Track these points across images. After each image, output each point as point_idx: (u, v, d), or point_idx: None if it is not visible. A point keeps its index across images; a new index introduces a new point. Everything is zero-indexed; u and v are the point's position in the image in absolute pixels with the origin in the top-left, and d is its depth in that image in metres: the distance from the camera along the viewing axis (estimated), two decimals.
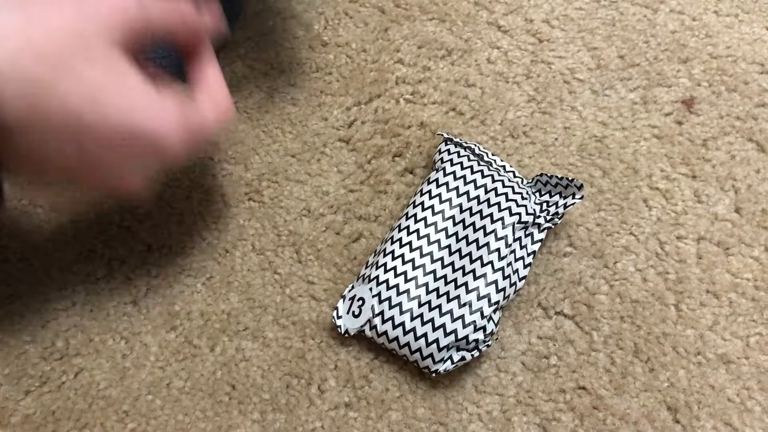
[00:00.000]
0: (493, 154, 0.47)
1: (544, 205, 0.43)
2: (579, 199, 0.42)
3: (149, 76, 0.33)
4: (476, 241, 0.41)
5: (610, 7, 0.55)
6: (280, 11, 0.55)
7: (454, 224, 0.42)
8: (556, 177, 0.43)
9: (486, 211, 0.42)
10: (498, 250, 0.41)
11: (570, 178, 0.43)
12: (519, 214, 0.42)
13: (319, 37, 0.54)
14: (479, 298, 0.39)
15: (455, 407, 0.41)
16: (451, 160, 0.45)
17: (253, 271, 0.46)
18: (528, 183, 0.45)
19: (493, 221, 0.41)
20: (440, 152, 0.46)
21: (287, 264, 0.46)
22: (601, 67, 0.52)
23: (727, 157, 0.48)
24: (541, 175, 0.44)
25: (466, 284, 0.40)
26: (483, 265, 0.40)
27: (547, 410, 0.41)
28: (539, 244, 0.43)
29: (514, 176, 0.45)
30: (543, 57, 0.53)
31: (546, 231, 0.43)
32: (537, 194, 0.44)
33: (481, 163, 0.44)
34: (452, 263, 0.41)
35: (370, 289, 0.41)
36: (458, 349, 0.40)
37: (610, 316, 0.43)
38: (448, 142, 0.46)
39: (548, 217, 0.43)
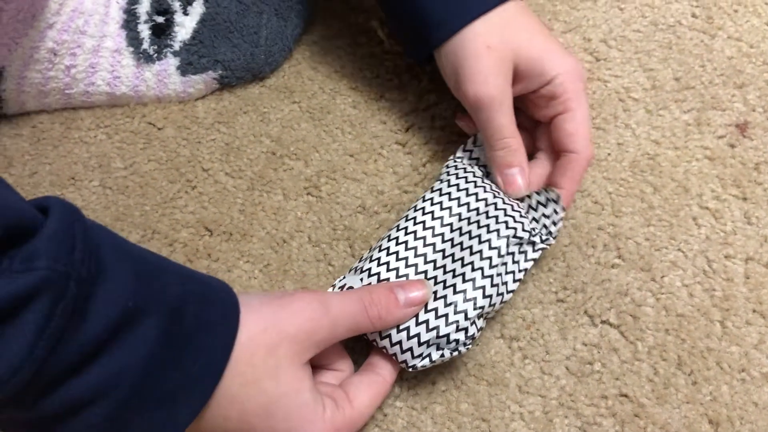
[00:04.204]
0: None
1: (536, 225, 0.44)
2: (562, 211, 0.43)
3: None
4: (470, 247, 0.42)
5: (667, 30, 0.56)
6: (345, 18, 0.58)
7: (451, 231, 0.43)
8: (535, 192, 0.45)
9: (483, 222, 0.43)
10: (490, 258, 0.41)
11: (546, 189, 0.44)
12: (515, 229, 0.42)
13: (381, 45, 0.56)
14: (465, 300, 0.40)
15: (498, 405, 0.42)
16: (457, 174, 0.46)
17: (308, 262, 0.48)
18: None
19: (489, 231, 0.42)
20: (448, 167, 0.48)
21: (341, 257, 0.48)
22: (656, 88, 0.53)
23: None
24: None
25: (454, 285, 0.41)
26: (473, 270, 0.41)
27: (588, 414, 0.42)
28: (532, 262, 0.43)
29: (511, 199, 0.46)
30: (599, 75, 0.54)
31: (540, 251, 0.44)
32: (531, 211, 0.45)
33: (486, 180, 0.46)
34: (444, 266, 0.42)
35: (361, 279, 0.42)
36: (438, 347, 0.40)
37: (655, 328, 0.44)
38: (457, 160, 0.48)
39: (543, 237, 0.44)
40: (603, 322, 0.45)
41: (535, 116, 0.47)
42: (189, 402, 0.33)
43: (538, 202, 0.45)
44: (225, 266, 0.47)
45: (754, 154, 0.50)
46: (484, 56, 0.43)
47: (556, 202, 0.44)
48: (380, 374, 0.41)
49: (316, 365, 0.41)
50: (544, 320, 0.45)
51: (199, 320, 0.34)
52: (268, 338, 0.35)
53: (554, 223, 0.44)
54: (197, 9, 0.52)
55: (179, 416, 0.33)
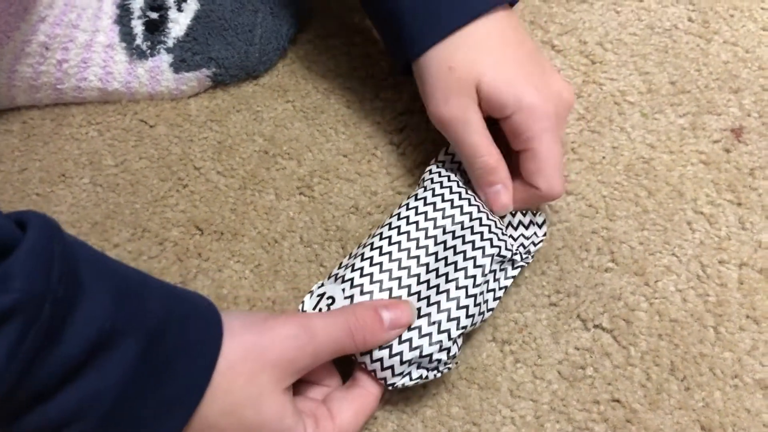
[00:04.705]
0: None
1: (518, 242, 0.44)
2: (543, 235, 0.43)
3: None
4: (455, 263, 0.41)
5: (663, 34, 0.56)
6: (340, 18, 0.57)
7: (436, 244, 0.42)
8: (521, 212, 0.44)
9: (468, 238, 0.42)
10: (474, 277, 0.41)
11: (533, 212, 0.44)
12: (499, 247, 0.42)
13: (376, 45, 0.56)
14: (449, 320, 0.39)
15: (489, 409, 0.42)
16: (441, 182, 0.45)
17: (299, 262, 0.47)
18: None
19: (474, 248, 0.41)
20: (431, 172, 0.47)
21: (333, 258, 0.47)
22: (652, 92, 0.53)
23: None
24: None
25: (438, 303, 0.40)
26: (457, 288, 0.40)
27: (580, 419, 0.42)
28: (511, 280, 0.43)
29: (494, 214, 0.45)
30: (595, 78, 0.54)
31: (519, 269, 0.43)
32: (510, 228, 0.45)
33: (469, 191, 0.45)
34: (428, 281, 0.41)
35: (343, 290, 0.41)
36: (419, 366, 0.40)
37: (648, 333, 0.44)
38: (440, 165, 0.47)
39: (523, 255, 0.43)
40: (596, 326, 0.44)
41: (508, 142, 0.45)
42: (165, 427, 0.33)
43: (520, 222, 0.44)
44: (215, 266, 0.47)
45: (749, 159, 0.50)
46: (445, 76, 0.42)
47: (539, 226, 0.44)
48: (365, 388, 0.40)
49: (302, 379, 0.40)
50: (536, 324, 0.45)
51: (178, 344, 0.33)
52: (249, 366, 0.35)
53: (534, 244, 0.44)
54: (192, 6, 0.52)
55: None
